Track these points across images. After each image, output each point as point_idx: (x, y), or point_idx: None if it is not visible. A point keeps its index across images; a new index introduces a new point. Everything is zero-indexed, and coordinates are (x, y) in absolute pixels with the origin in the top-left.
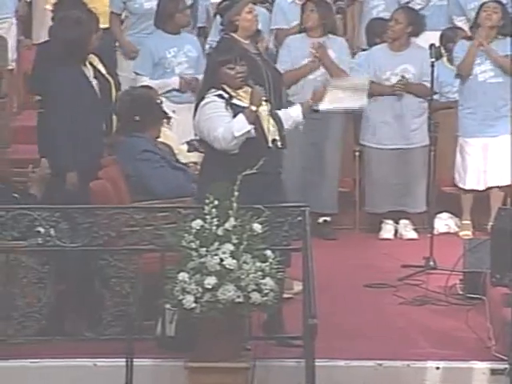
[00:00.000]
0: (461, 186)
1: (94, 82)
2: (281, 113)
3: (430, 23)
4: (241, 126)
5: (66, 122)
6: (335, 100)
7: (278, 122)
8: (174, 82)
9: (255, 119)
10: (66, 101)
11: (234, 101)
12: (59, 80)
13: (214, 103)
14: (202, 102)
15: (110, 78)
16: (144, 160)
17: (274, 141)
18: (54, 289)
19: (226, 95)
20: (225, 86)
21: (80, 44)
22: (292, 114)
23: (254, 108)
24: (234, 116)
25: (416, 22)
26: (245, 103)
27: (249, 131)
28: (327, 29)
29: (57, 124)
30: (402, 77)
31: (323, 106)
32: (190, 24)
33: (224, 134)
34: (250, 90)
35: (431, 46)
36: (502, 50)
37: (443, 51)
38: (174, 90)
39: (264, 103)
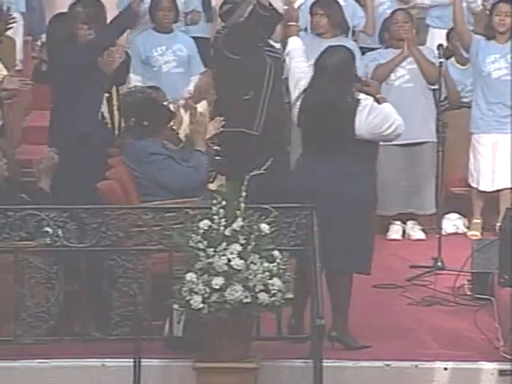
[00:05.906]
0: (474, 186)
1: None
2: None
3: (442, 23)
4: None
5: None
6: None
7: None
8: None
9: None
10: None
11: None
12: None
13: (374, 103)
14: (362, 105)
15: None
16: (152, 162)
17: None
18: (62, 289)
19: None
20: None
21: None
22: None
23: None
24: None
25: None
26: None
27: None
28: (337, 30)
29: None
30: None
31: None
32: (173, 23)
33: (398, 123)
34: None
35: (439, 46)
36: None
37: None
38: None
39: None
